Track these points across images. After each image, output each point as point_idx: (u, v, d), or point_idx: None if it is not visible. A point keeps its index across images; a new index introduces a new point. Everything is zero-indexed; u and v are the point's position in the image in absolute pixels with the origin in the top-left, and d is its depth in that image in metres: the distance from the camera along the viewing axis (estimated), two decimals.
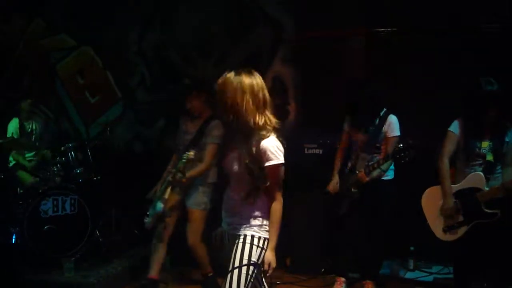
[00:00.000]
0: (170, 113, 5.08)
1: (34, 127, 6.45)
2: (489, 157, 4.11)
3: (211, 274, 4.98)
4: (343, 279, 4.96)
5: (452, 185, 4.18)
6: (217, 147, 4.66)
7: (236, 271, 3.01)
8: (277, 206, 3.08)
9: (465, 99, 4.18)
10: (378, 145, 4.72)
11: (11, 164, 6.27)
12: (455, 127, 4.21)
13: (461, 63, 5.39)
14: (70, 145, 6.00)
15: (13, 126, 6.33)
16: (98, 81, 7.28)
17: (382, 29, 5.84)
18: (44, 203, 5.52)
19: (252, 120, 2.98)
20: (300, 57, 6.18)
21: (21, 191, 6.02)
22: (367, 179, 4.62)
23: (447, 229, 4.15)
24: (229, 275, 3.02)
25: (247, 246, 3.06)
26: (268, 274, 3.10)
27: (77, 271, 5.23)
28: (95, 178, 5.92)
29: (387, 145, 4.66)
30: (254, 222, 3.10)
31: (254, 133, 3.01)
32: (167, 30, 6.88)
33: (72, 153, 5.94)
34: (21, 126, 6.32)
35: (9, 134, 6.22)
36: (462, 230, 4.10)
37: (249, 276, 3.03)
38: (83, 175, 5.90)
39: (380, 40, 5.84)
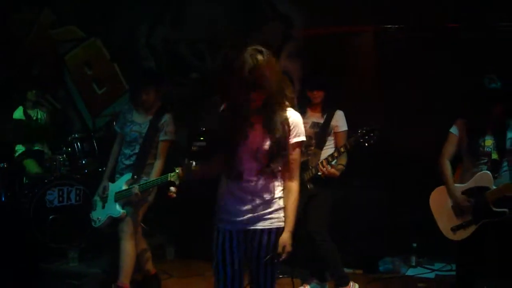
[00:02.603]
0: (177, 107, 5.08)
1: (39, 116, 6.50)
2: (494, 156, 4.09)
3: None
4: (307, 286, 4.84)
5: (460, 185, 4.15)
6: (171, 144, 4.50)
7: (271, 268, 2.94)
8: (296, 186, 2.95)
9: (468, 97, 4.17)
10: (326, 139, 4.66)
11: (17, 154, 6.32)
12: (455, 128, 4.20)
13: (470, 61, 5.38)
14: (76, 135, 6.05)
15: (18, 114, 6.38)
16: (106, 72, 7.33)
17: (391, 26, 5.83)
18: (50, 193, 5.57)
19: (281, 97, 2.86)
20: (308, 53, 6.18)
21: (27, 181, 6.06)
22: (337, 172, 4.47)
23: (455, 228, 4.14)
24: (264, 271, 2.94)
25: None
26: (281, 259, 2.90)
27: (82, 261, 5.28)
28: (100, 169, 5.95)
29: (337, 140, 4.63)
30: (278, 212, 2.94)
31: (281, 109, 2.87)
32: (176, 24, 6.90)
33: (78, 144, 5.99)
34: (26, 115, 6.37)
35: None
36: (470, 229, 4.07)
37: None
38: (89, 166, 5.94)
39: (389, 37, 5.84)
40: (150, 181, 4.26)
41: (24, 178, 6.11)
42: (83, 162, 5.95)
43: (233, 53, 2.94)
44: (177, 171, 3.87)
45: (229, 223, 2.95)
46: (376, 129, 4.21)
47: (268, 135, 2.84)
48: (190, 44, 6.84)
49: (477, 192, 4.05)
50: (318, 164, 4.46)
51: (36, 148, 6.46)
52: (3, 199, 5.80)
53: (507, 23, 5.38)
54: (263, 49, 2.82)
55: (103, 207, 4.51)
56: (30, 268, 5.05)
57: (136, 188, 4.24)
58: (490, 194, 4.01)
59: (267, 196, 2.91)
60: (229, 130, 2.89)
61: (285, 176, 2.95)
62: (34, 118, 6.41)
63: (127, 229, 4.40)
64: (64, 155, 5.98)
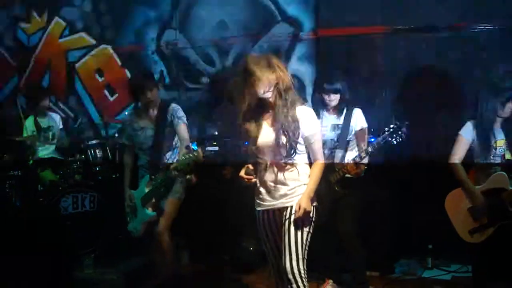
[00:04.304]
0: (188, 111, 5.08)
1: (51, 124, 6.52)
2: (508, 156, 4.05)
3: None
4: (330, 281, 4.85)
5: (476, 187, 4.10)
6: (186, 126, 4.55)
7: (300, 242, 3.29)
8: (320, 162, 3.40)
9: (479, 97, 4.12)
10: (349, 139, 4.64)
11: (31, 162, 6.35)
12: (465, 131, 4.14)
13: (479, 61, 5.35)
14: (89, 143, 6.06)
15: (30, 124, 6.41)
16: (117, 79, 7.35)
17: (401, 27, 5.79)
18: (64, 200, 5.59)
19: (292, 97, 3.32)
20: (318, 55, 6.17)
21: (41, 188, 6.09)
22: (357, 170, 4.46)
23: (473, 231, 4.09)
24: (292, 246, 3.27)
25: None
26: (296, 216, 3.28)
27: (97, 267, 5.29)
28: (114, 176, 5.97)
29: (359, 138, 4.61)
30: (300, 189, 3.35)
31: (293, 107, 3.32)
32: (185, 29, 6.92)
33: (91, 151, 6.00)
34: (37, 124, 6.39)
35: (28, 132, 6.29)
36: (488, 232, 4.02)
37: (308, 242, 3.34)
38: (102, 172, 5.96)
39: (399, 38, 5.82)
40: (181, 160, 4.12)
41: (39, 185, 6.13)
42: (97, 169, 5.97)
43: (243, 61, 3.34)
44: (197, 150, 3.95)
45: (261, 206, 3.46)
46: (404, 126, 4.20)
47: (279, 132, 3.30)
48: (199, 48, 6.86)
49: (493, 193, 4.00)
50: (346, 166, 4.46)
51: (50, 155, 6.50)
52: (18, 205, 5.83)
53: None
54: (268, 56, 3.35)
55: (136, 216, 4.55)
56: (46, 274, 5.07)
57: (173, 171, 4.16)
58: (507, 195, 3.96)
59: (291, 184, 3.35)
60: (249, 129, 3.38)
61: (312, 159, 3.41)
62: (46, 126, 6.44)
63: (160, 228, 4.46)
64: (78, 162, 6.01)
